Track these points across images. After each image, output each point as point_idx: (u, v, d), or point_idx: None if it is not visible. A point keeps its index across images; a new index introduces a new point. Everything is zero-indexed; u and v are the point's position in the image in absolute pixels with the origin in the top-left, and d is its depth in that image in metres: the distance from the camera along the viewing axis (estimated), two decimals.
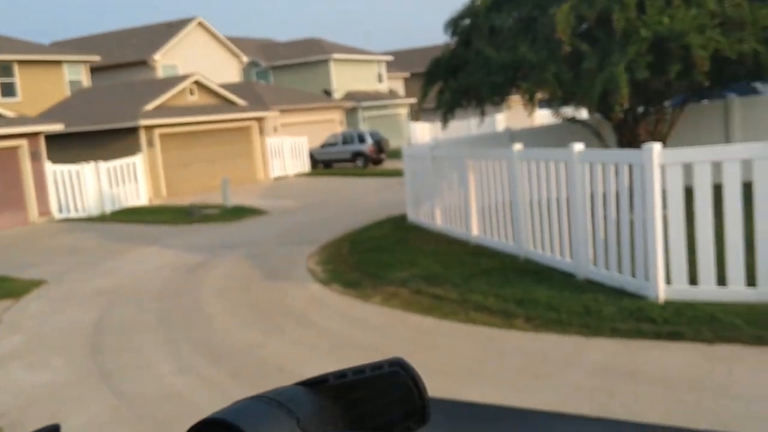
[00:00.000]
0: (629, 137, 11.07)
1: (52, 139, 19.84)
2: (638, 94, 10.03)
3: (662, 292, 6.53)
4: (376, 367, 0.60)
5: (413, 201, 12.72)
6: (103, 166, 19.15)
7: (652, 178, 6.50)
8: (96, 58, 28.39)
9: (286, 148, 26.76)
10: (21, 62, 25.09)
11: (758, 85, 16.98)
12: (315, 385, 0.55)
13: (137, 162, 20.60)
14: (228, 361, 6.54)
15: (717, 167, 6.29)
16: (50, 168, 18.17)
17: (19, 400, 5.94)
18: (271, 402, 0.42)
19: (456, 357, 6.01)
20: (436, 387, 4.00)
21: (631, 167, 6.86)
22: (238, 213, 17.02)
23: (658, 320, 6.08)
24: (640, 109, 11.10)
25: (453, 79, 11.34)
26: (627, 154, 7.15)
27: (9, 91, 24.68)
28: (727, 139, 12.61)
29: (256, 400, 0.42)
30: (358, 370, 0.59)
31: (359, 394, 0.58)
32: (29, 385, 6.30)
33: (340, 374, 0.58)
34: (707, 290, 6.37)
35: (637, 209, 6.81)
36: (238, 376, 6.10)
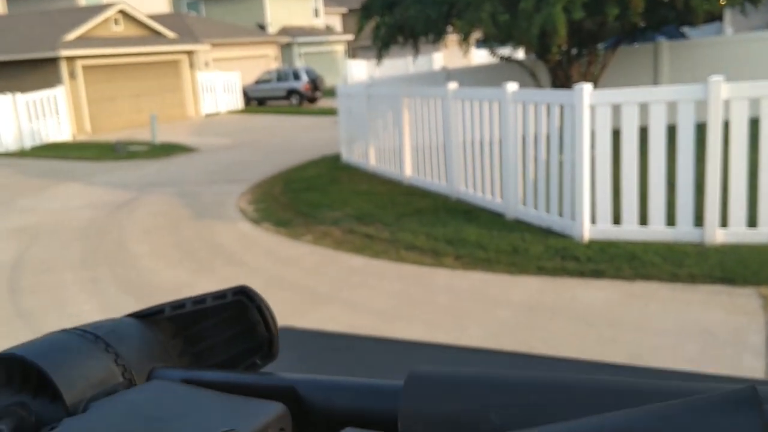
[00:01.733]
0: (563, 78, 11.16)
1: None
2: (572, 36, 10.06)
3: (587, 231, 6.68)
4: (219, 296, 0.53)
5: (347, 140, 12.58)
6: (21, 98, 18.16)
7: (582, 118, 6.56)
8: None
9: (218, 84, 25.97)
10: None
11: (686, 30, 17.33)
12: (148, 317, 0.47)
13: (58, 95, 19.62)
14: (154, 300, 6.38)
15: (644, 109, 6.39)
16: None
17: None
18: (86, 335, 0.34)
19: (384, 295, 6.04)
20: (364, 325, 4.00)
21: (562, 108, 6.90)
22: (167, 150, 16.51)
23: (582, 258, 6.24)
24: (574, 51, 11.17)
25: (389, 14, 11.12)
26: (558, 95, 7.18)
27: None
28: (656, 81, 12.87)
29: (69, 333, 0.35)
30: (198, 300, 0.51)
31: (200, 327, 0.51)
32: None
33: (178, 304, 0.50)
34: (630, 230, 6.55)
35: (566, 150, 6.88)
36: None
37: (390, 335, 4.35)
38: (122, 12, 22.49)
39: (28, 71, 20.09)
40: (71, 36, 20.49)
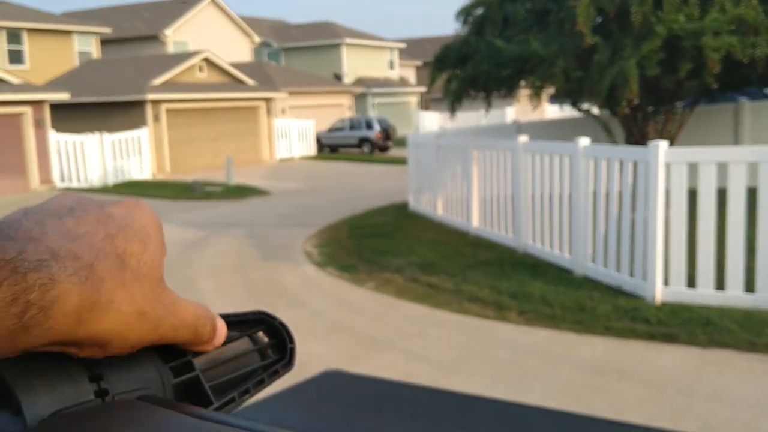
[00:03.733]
0: (638, 135, 10.95)
1: (58, 108, 19.78)
2: (649, 93, 9.91)
3: (659, 293, 6.43)
4: (240, 317, 0.52)
5: (415, 189, 12.62)
6: (108, 138, 19.09)
7: (656, 176, 6.38)
8: (107, 30, 28.29)
9: (293, 130, 26.66)
10: (30, 30, 25.02)
11: None
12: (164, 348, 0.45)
13: (142, 136, 20.53)
14: None
15: (722, 169, 6.17)
16: (54, 137, 18.13)
17: None
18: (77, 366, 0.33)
19: (445, 346, 5.93)
20: (422, 375, 3.92)
21: (635, 164, 6.75)
22: (241, 192, 16.95)
23: (653, 321, 5.99)
24: (650, 108, 10.97)
25: (461, 67, 11.23)
26: (632, 151, 7.03)
27: (17, 58, 24.61)
28: (736, 142, 12.46)
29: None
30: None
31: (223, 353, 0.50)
32: None
33: None
34: (705, 293, 6.26)
35: (639, 208, 6.70)
36: None
37: (447, 388, 4.26)
38: (207, 60, 23.52)
39: (116, 112, 21.15)
40: (158, 81, 21.51)
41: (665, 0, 8.88)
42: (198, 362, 0.48)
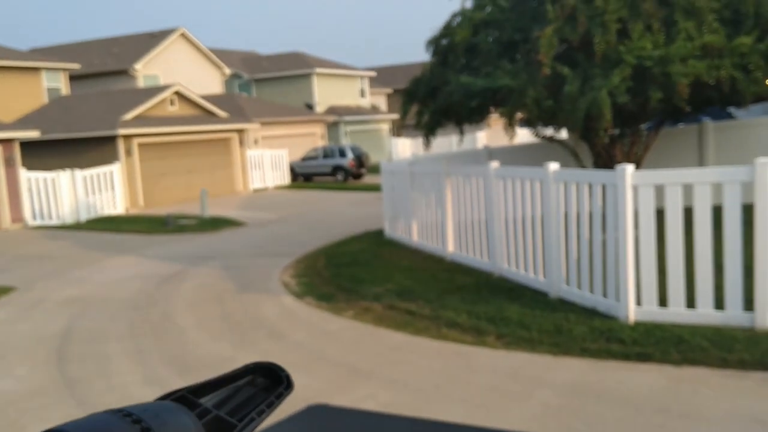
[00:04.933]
0: (606, 158, 11.18)
1: (28, 146, 19.63)
2: (615, 116, 10.14)
3: (632, 313, 6.56)
4: (243, 373, 0.61)
5: (391, 216, 12.73)
6: (80, 174, 18.95)
7: (625, 198, 6.55)
8: (76, 66, 28.16)
9: (266, 161, 26.70)
10: None
11: (732, 110, 17.27)
12: (183, 398, 0.53)
13: (114, 171, 20.42)
14: (196, 373, 6.46)
15: (688, 189, 6.37)
16: (25, 175, 17.95)
17: None
18: (127, 418, 0.39)
19: (425, 373, 5.99)
20: (403, 403, 3.98)
21: (604, 187, 6.92)
22: (215, 224, 16.90)
23: (628, 341, 6.11)
24: (617, 131, 11.22)
25: (432, 100, 11.40)
26: (600, 175, 7.21)
27: None
28: (701, 162, 12.78)
29: (113, 414, 0.39)
30: (226, 379, 0.57)
31: (231, 405, 0.57)
32: None
33: (212, 384, 0.56)
34: (676, 312, 6.41)
35: (609, 230, 6.86)
36: None
37: (429, 415, 4.31)
38: (177, 93, 23.54)
39: (87, 148, 21.02)
40: (129, 115, 21.46)
41: (632, 28, 9.13)
42: (212, 402, 0.56)
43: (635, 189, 6.58)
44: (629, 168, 6.60)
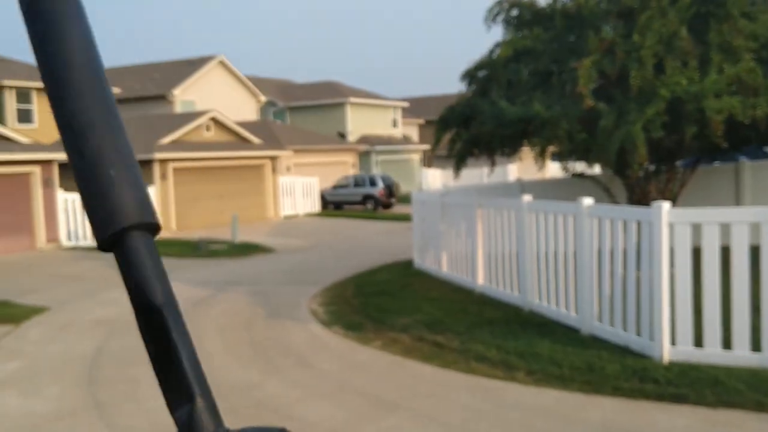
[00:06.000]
0: (640, 195, 11.06)
1: (66, 167, 20.03)
2: (651, 153, 10.06)
3: (667, 352, 6.43)
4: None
5: (420, 247, 12.70)
6: None
7: (660, 236, 6.46)
8: (116, 90, 28.86)
9: (297, 188, 26.91)
10: (40, 90, 25.50)
11: None
12: None
13: (149, 194, 20.74)
14: (223, 399, 6.45)
15: (725, 229, 6.26)
16: (62, 196, 18.32)
17: (9, 428, 5.87)
18: None
19: (453, 407, 5.91)
20: None
21: (639, 224, 6.84)
22: (246, 250, 17.02)
23: (662, 381, 5.98)
24: (652, 168, 11.12)
25: (465, 129, 11.43)
26: (636, 211, 7.13)
27: (26, 117, 25.05)
28: (738, 201, 12.58)
29: None
30: None
31: None
32: (21, 413, 6.24)
33: None
34: (712, 353, 6.26)
35: (644, 267, 6.76)
36: (232, 414, 5.97)
37: None
38: (213, 119, 23.93)
39: None
40: (166, 140, 21.85)
41: (667, 63, 9.10)
42: None
43: (671, 227, 6.48)
44: (665, 205, 6.52)
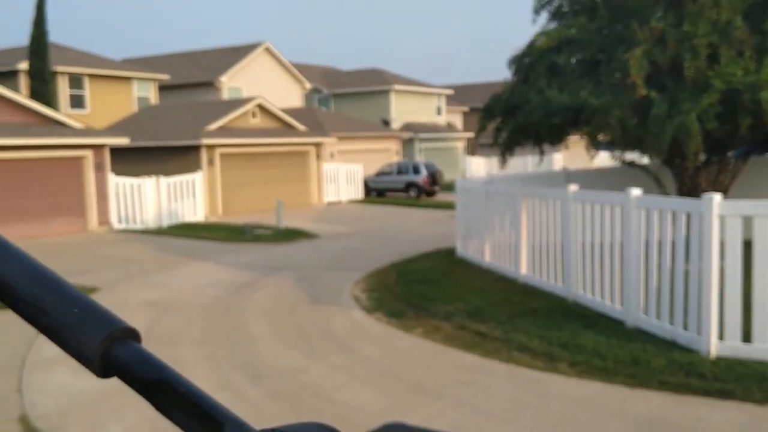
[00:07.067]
0: (690, 186, 10.83)
1: (117, 152, 20.53)
2: (702, 143, 9.83)
3: (714, 347, 6.31)
4: None
5: (463, 235, 12.66)
6: (164, 181, 19.68)
7: (711, 228, 6.32)
8: (165, 77, 29.37)
9: (341, 175, 27.04)
10: (92, 76, 26.15)
11: None
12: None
13: (197, 179, 21.10)
14: (267, 381, 6.57)
15: None
16: (113, 180, 18.77)
17: (60, 404, 6.08)
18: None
19: (494, 397, 5.91)
20: (470, 426, 3.96)
21: (689, 216, 6.70)
22: (290, 235, 17.21)
23: (708, 376, 5.87)
24: (703, 158, 10.87)
25: (511, 117, 11.33)
26: (685, 203, 6.98)
27: (78, 103, 25.72)
28: None
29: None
30: None
31: None
32: (73, 391, 6.45)
33: None
34: (761, 348, 6.12)
35: (693, 259, 6.62)
36: (275, 398, 6.12)
37: None
38: (260, 106, 24.18)
39: (172, 156, 21.83)
40: (213, 126, 22.17)
41: (722, 53, 8.87)
42: None
43: (722, 219, 6.34)
44: (716, 197, 6.37)
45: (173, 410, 0.49)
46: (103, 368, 0.49)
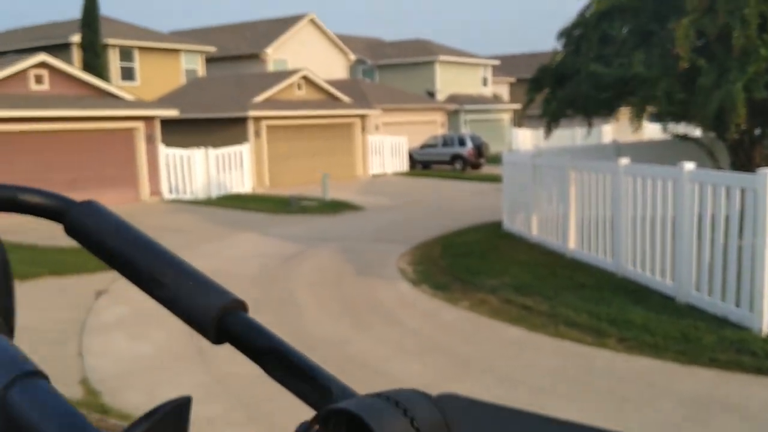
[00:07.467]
0: (744, 159, 10.54)
1: (166, 123, 20.88)
2: (756, 116, 9.54)
3: (766, 325, 6.18)
4: None
5: (510, 209, 12.58)
6: (213, 152, 19.98)
7: (765, 204, 6.16)
8: (212, 49, 29.65)
9: (386, 147, 27.04)
10: (141, 48, 26.56)
11: None
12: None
13: (244, 151, 21.37)
14: (314, 352, 6.70)
15: None
16: (163, 151, 19.14)
17: (119, 369, 6.31)
18: (389, 401, 0.45)
19: (541, 371, 5.92)
20: (517, 398, 4.00)
21: (743, 191, 6.54)
22: (336, 207, 17.35)
23: (760, 354, 5.77)
24: (757, 132, 10.55)
25: (560, 88, 11.15)
26: (739, 178, 6.81)
27: (128, 75, 26.19)
28: None
29: (376, 399, 0.45)
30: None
31: None
32: (130, 356, 6.69)
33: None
34: None
35: (746, 235, 6.48)
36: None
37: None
38: (305, 78, 24.25)
39: (219, 128, 22.12)
40: (259, 98, 22.35)
41: None
42: None
43: None
44: None
45: (284, 375, 0.53)
46: (217, 336, 0.54)
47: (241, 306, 0.56)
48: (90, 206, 0.61)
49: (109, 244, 0.57)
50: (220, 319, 0.54)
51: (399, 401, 0.45)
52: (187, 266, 0.57)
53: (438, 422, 0.46)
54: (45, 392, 0.42)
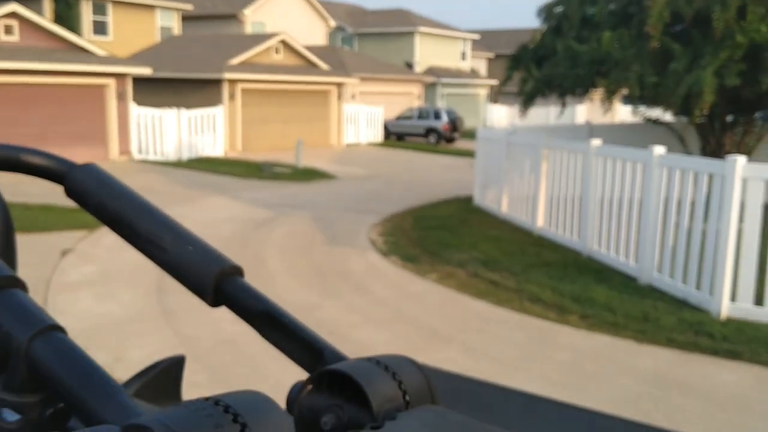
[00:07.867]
0: (714, 146, 10.73)
1: (138, 81, 20.51)
2: (728, 103, 9.69)
3: (725, 308, 6.38)
4: None
5: (481, 184, 12.68)
6: (185, 113, 19.70)
7: (732, 190, 6.31)
8: (188, 7, 29.04)
9: (361, 117, 26.93)
10: (116, 2, 25.91)
11: None
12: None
13: (218, 114, 21.11)
14: None
15: None
16: (134, 110, 18.82)
17: (84, 327, 6.29)
18: (380, 365, 0.47)
19: (505, 344, 6.04)
20: (481, 370, 4.08)
21: (711, 177, 6.68)
22: (308, 175, 17.30)
23: (717, 336, 5.96)
24: (729, 118, 10.73)
25: (537, 68, 11.19)
26: (708, 164, 6.95)
27: (101, 29, 25.55)
28: None
29: (367, 362, 0.48)
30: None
31: None
32: (96, 313, 6.67)
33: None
34: None
35: (711, 220, 6.63)
36: None
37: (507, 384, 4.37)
38: (283, 42, 23.94)
39: (193, 89, 21.79)
40: (235, 60, 22.04)
41: (749, 9, 8.66)
42: None
43: (744, 181, 6.32)
44: (741, 159, 6.34)
45: (277, 337, 0.55)
46: (215, 299, 0.56)
47: (237, 271, 0.58)
48: (90, 169, 0.63)
49: (109, 207, 0.58)
50: (217, 283, 0.55)
51: (388, 365, 0.48)
52: (186, 232, 0.58)
53: (423, 386, 0.49)
54: (65, 344, 0.44)
